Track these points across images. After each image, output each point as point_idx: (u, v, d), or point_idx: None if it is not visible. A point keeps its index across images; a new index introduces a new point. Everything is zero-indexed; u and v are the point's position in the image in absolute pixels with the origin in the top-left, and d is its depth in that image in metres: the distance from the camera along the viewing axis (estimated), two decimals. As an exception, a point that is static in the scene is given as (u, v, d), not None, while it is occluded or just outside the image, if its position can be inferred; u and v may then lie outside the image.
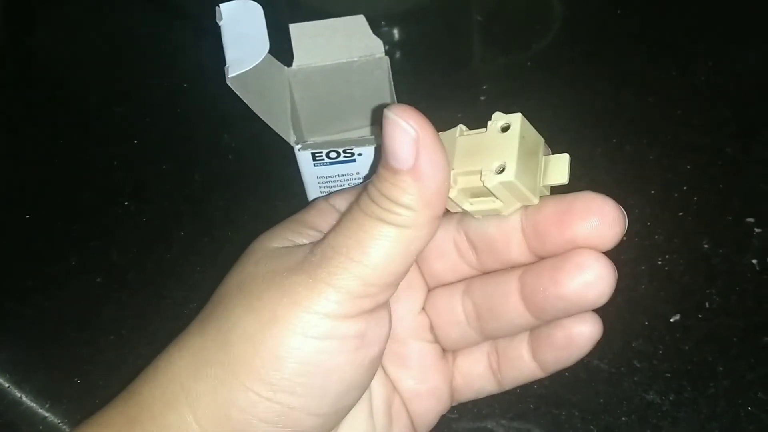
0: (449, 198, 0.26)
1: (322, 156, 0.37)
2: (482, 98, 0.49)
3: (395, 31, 0.54)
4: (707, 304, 0.39)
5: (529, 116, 0.48)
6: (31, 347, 0.42)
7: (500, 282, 0.28)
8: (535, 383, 0.37)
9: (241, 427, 0.24)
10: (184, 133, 0.49)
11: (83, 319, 0.42)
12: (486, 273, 0.29)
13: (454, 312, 0.29)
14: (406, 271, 0.25)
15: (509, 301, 0.27)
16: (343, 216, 0.26)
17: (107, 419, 0.26)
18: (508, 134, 0.26)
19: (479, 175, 0.25)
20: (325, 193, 0.39)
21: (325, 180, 0.39)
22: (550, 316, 0.27)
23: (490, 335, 0.30)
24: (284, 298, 0.24)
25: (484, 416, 0.37)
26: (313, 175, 0.38)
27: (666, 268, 0.41)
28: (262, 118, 0.36)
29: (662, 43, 0.50)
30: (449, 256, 0.29)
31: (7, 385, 0.41)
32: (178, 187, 0.47)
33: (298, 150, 0.36)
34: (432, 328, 0.30)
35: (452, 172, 0.26)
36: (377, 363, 0.26)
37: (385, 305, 0.26)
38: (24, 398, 0.40)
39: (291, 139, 0.37)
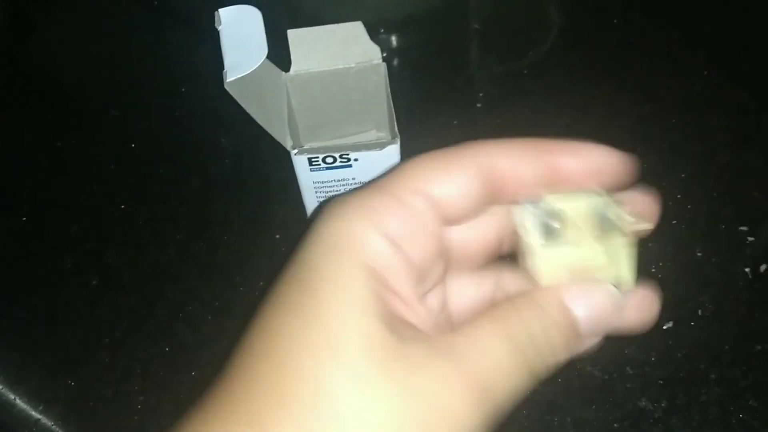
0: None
1: (318, 161, 0.37)
2: (478, 105, 0.49)
3: (393, 38, 0.55)
4: (700, 312, 0.39)
5: (524, 124, 0.49)
6: (25, 348, 0.42)
7: None
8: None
9: None
10: (181, 137, 0.49)
11: (78, 320, 0.42)
12: None
13: None
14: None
15: None
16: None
17: None
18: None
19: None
20: (322, 199, 0.39)
21: (322, 185, 0.39)
22: None
23: None
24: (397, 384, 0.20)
25: (477, 421, 0.37)
26: (310, 180, 0.38)
27: (659, 276, 0.41)
28: (259, 122, 0.36)
29: (658, 52, 0.51)
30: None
31: (0, 386, 0.41)
32: (175, 190, 0.47)
33: (295, 155, 0.37)
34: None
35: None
36: None
37: None
38: (17, 400, 0.40)
39: (288, 143, 0.37)
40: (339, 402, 0.20)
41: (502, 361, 0.22)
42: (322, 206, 0.26)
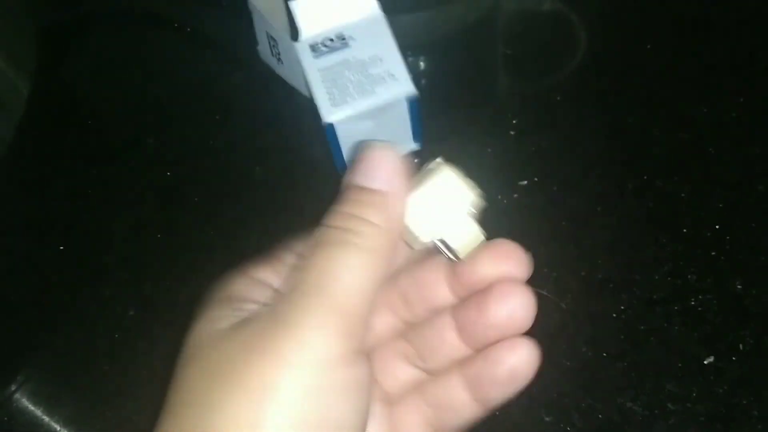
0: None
1: (318, 46, 0.44)
2: (512, 133, 0.49)
3: (421, 62, 0.55)
4: (741, 346, 0.39)
5: (558, 151, 0.48)
6: (62, 378, 0.42)
7: (435, 322, 0.29)
8: (569, 426, 0.37)
9: None
10: (216, 166, 0.49)
11: (115, 351, 0.43)
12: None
13: (395, 362, 0.30)
14: (374, 304, 0.25)
15: (445, 337, 0.29)
16: (301, 260, 0.25)
17: None
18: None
19: None
20: (329, 87, 0.43)
21: (327, 72, 0.43)
22: (484, 344, 0.28)
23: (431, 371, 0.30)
24: (266, 361, 0.23)
25: (516, 458, 0.37)
26: (315, 69, 0.43)
27: (699, 309, 0.40)
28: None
29: (692, 77, 0.50)
30: (384, 314, 0.30)
31: (39, 414, 0.41)
32: (210, 219, 0.47)
33: (298, 42, 0.44)
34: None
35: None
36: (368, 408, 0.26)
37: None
38: (57, 427, 0.40)
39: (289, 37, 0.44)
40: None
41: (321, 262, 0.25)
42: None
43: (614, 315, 0.40)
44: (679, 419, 0.37)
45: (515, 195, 0.46)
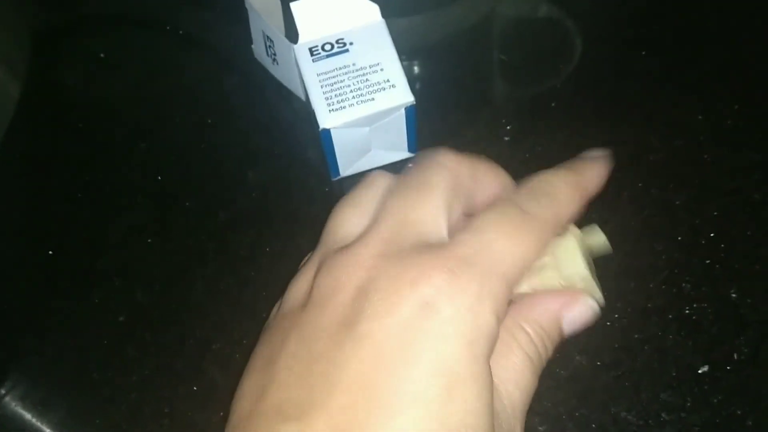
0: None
1: (318, 49, 0.44)
2: (506, 138, 0.49)
3: (416, 67, 0.54)
4: (736, 356, 0.39)
5: (554, 157, 0.48)
6: (52, 384, 0.42)
7: None
8: (562, 434, 0.37)
9: None
10: (208, 170, 0.49)
11: (105, 358, 0.42)
12: None
13: None
14: None
15: None
16: None
17: None
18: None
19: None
20: (327, 92, 0.42)
21: (325, 77, 0.43)
22: None
23: None
24: None
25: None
26: (314, 72, 0.43)
27: (694, 317, 0.40)
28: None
29: (688, 85, 0.50)
30: None
31: (28, 419, 0.41)
32: (202, 224, 0.47)
33: (296, 45, 0.44)
34: None
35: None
36: None
37: None
38: (46, 434, 0.40)
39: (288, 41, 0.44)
40: None
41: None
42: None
43: (608, 323, 0.40)
44: (673, 429, 0.37)
45: (510, 201, 0.46)
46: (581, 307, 0.28)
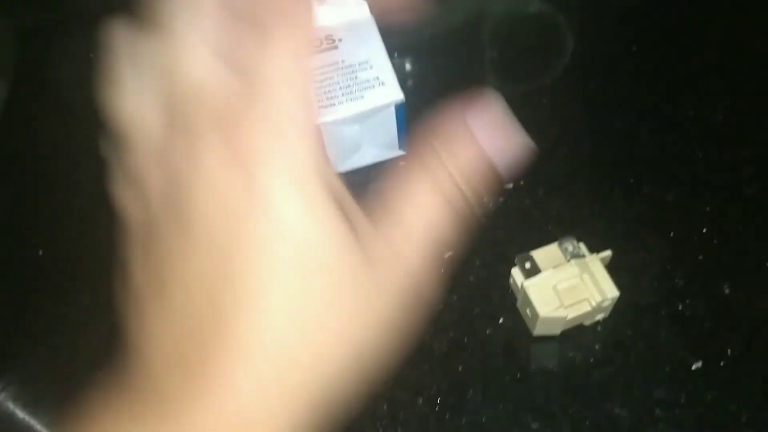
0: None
1: None
2: (498, 135, 0.49)
3: (407, 64, 0.54)
4: (729, 351, 0.39)
5: (545, 155, 0.48)
6: (44, 384, 0.42)
7: None
8: (556, 431, 0.37)
9: None
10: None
11: (96, 359, 0.42)
12: None
13: None
14: None
15: None
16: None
17: None
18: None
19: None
20: (316, 88, 0.42)
21: (314, 74, 0.42)
22: None
23: None
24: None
25: (503, 465, 0.36)
26: None
27: (687, 314, 0.40)
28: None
29: (679, 81, 0.50)
30: None
31: (21, 418, 0.40)
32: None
33: None
34: None
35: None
36: None
37: None
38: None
39: None
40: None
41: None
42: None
43: (601, 320, 0.40)
44: (667, 425, 0.37)
45: (500, 198, 0.45)
46: (481, 103, 0.27)
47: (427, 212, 0.25)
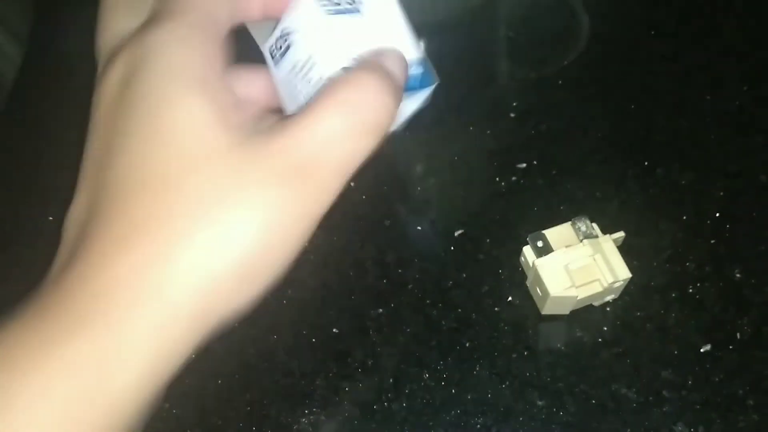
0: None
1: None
2: (512, 115, 0.48)
3: (422, 44, 0.54)
4: (738, 335, 0.39)
5: (559, 136, 0.48)
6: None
7: None
8: (561, 410, 0.37)
9: None
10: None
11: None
12: None
13: None
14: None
15: None
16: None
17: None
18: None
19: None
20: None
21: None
22: None
23: None
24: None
25: (508, 441, 0.36)
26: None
27: (697, 297, 0.40)
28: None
29: (695, 66, 0.50)
30: None
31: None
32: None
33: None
34: None
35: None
36: None
37: None
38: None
39: None
40: (205, 207, 0.23)
41: (334, 127, 0.24)
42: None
43: (611, 300, 0.40)
44: (673, 407, 0.37)
45: (513, 177, 0.45)
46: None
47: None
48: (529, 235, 0.39)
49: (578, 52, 0.52)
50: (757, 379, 0.37)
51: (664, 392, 0.37)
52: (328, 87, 0.25)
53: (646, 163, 0.45)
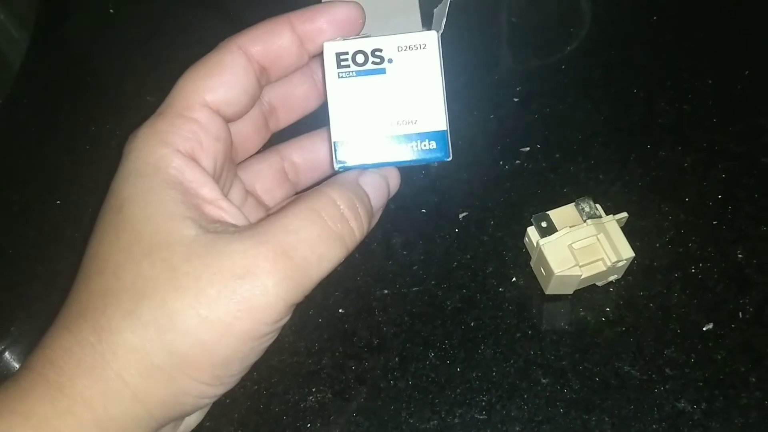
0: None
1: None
2: (515, 100, 0.49)
3: (425, 29, 0.54)
4: (740, 314, 0.39)
5: (562, 119, 0.48)
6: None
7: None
8: (565, 387, 0.37)
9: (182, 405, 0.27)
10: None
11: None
12: None
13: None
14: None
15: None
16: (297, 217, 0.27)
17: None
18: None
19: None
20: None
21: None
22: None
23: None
24: (240, 312, 0.26)
25: (512, 419, 0.37)
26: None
27: (699, 277, 0.40)
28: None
29: (698, 50, 0.50)
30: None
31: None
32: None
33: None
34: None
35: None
36: None
37: None
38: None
39: None
40: (165, 297, 0.25)
41: (306, 231, 0.27)
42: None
43: (614, 281, 0.40)
44: (676, 384, 0.37)
45: (517, 161, 0.46)
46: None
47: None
48: (534, 216, 0.39)
49: (581, 36, 0.52)
50: (759, 357, 0.38)
51: (667, 370, 0.37)
52: (301, 196, 0.29)
53: (648, 146, 0.45)
